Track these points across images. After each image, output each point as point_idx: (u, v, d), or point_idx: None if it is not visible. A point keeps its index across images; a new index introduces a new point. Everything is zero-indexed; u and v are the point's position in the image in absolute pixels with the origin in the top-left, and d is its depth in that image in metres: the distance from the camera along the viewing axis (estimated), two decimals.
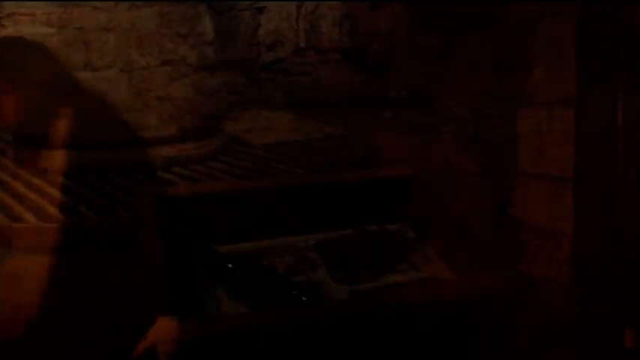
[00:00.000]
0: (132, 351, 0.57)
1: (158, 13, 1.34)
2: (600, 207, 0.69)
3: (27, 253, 1.05)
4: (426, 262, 0.98)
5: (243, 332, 0.61)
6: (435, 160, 1.72)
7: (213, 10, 1.52)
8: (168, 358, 0.56)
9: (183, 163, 1.44)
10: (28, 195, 1.25)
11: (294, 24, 1.97)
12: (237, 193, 0.92)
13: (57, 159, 1.39)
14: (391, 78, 2.90)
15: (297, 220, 0.99)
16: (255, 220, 0.97)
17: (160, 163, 1.42)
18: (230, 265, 0.85)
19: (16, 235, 1.07)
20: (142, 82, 1.39)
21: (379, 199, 1.04)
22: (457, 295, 0.72)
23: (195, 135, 1.46)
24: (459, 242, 0.97)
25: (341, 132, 1.81)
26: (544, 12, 0.77)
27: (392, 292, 0.84)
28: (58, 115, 1.33)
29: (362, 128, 2.08)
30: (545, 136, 0.79)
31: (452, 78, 3.39)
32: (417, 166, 1.62)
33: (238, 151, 1.58)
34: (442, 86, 3.16)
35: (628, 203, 0.67)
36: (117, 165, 1.38)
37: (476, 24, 1.20)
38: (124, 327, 0.67)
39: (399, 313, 0.68)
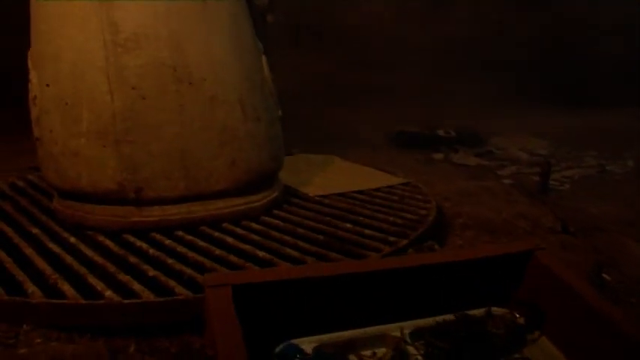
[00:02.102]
0: None
1: None
2: None
3: (66, 340, 0.92)
4: (542, 355, 0.84)
5: None
6: (508, 215, 1.59)
7: None
8: None
9: (236, 220, 1.32)
10: (65, 259, 1.13)
11: None
12: (320, 278, 0.79)
13: (97, 215, 1.27)
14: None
15: (389, 305, 0.86)
16: (340, 306, 0.83)
17: (209, 220, 1.29)
18: None
19: (49, 313, 0.94)
20: None
21: (484, 277, 0.90)
22: None
23: (248, 187, 1.33)
24: (578, 327, 0.83)
25: (399, 180, 1.67)
26: None
27: None
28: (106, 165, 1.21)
29: (415, 173, 1.95)
30: None
31: (501, 116, 3.27)
32: (493, 226, 1.49)
33: (295, 204, 1.46)
34: (491, 124, 3.02)
35: None
36: (163, 224, 1.26)
37: None
38: None
39: None
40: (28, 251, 1.18)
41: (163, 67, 1.18)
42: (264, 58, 1.38)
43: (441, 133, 2.39)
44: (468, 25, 4.03)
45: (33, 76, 1.27)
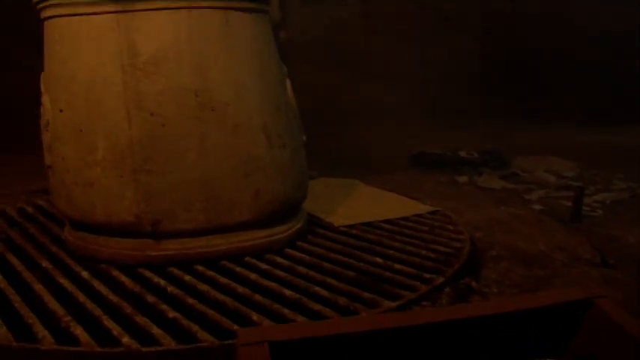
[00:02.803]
0: None
1: None
2: None
3: None
4: None
5: None
6: (543, 245, 1.51)
7: None
8: None
9: (259, 253, 1.24)
10: (77, 297, 1.06)
11: None
12: (368, 333, 0.71)
13: (111, 248, 1.20)
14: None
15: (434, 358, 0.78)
16: None
17: (230, 254, 1.22)
18: None
19: None
20: None
21: (538, 327, 0.83)
22: None
23: (272, 218, 1.26)
24: None
25: (427, 208, 1.60)
26: None
27: None
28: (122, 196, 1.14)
29: (440, 198, 1.87)
30: None
31: (520, 133, 3.18)
32: (528, 257, 1.42)
33: (319, 235, 1.38)
34: (511, 143, 2.94)
35: None
36: (181, 258, 1.19)
37: None
38: None
39: None
40: (38, 287, 1.11)
41: (185, 92, 1.11)
42: (288, 82, 1.32)
43: (463, 154, 2.32)
44: (482, 39, 3.98)
45: (45, 100, 1.21)
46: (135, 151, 1.12)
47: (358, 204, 1.62)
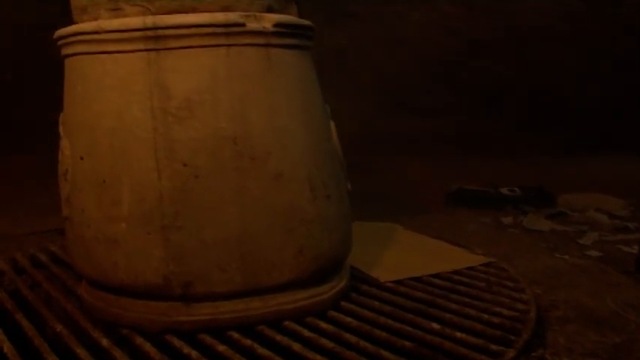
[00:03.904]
0: None
1: None
2: None
3: None
4: None
5: None
6: (613, 302, 1.38)
7: None
8: None
9: (300, 317, 1.13)
10: None
11: None
12: None
13: (135, 312, 1.09)
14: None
15: None
16: None
17: (269, 319, 1.10)
18: None
19: None
20: None
21: None
22: None
23: (314, 278, 1.14)
24: None
25: (479, 258, 1.47)
26: None
27: None
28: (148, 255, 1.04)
29: (487, 242, 1.75)
30: None
31: (559, 165, 3.03)
32: (597, 317, 1.28)
33: (364, 293, 1.26)
34: (552, 177, 2.81)
35: None
36: (214, 324, 1.07)
37: None
38: None
39: None
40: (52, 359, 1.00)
41: (221, 140, 1.01)
42: (332, 123, 1.21)
43: (504, 191, 2.19)
44: (516, 65, 3.88)
45: (65, 146, 1.11)
46: (165, 206, 1.01)
47: (402, 254, 1.50)
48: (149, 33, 0.98)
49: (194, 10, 1.03)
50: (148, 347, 1.04)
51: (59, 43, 1.10)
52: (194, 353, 1.02)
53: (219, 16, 1.00)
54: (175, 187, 1.00)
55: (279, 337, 1.07)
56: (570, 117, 3.59)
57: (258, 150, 1.03)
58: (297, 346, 1.04)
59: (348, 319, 1.14)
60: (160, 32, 0.98)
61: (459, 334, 1.09)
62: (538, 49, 3.78)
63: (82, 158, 1.07)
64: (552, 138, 3.48)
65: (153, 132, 1.00)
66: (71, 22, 1.10)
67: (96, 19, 1.05)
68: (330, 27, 3.51)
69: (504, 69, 3.85)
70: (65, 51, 1.10)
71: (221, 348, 1.03)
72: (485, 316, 1.16)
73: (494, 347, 1.04)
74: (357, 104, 3.43)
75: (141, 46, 0.99)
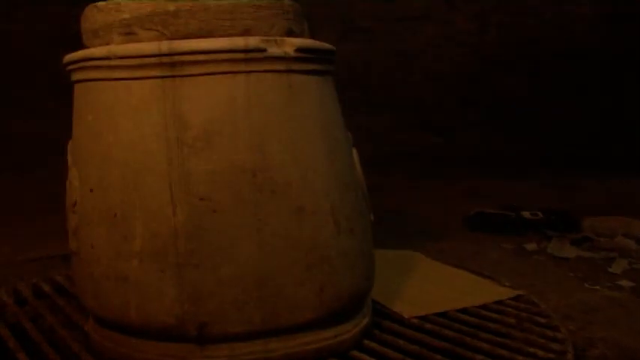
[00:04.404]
0: None
1: None
2: None
3: None
4: None
5: None
6: None
7: None
8: None
9: (321, 358, 1.08)
10: None
11: None
12: None
13: (147, 353, 1.04)
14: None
15: None
16: None
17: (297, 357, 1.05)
18: None
19: None
20: None
21: None
22: None
23: (337, 316, 1.09)
24: None
25: (507, 292, 1.42)
26: None
27: None
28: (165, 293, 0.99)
29: (511, 272, 1.70)
30: None
31: (578, 183, 2.96)
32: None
33: (388, 330, 1.21)
34: (574, 198, 2.74)
35: None
36: None
37: None
38: None
39: None
40: None
41: (240, 173, 0.96)
42: (354, 151, 1.17)
43: (526, 214, 2.14)
44: (528, 82, 3.85)
45: (73, 176, 1.07)
46: (180, 242, 0.96)
47: (425, 285, 1.44)
48: (164, 59, 0.95)
49: (211, 34, 0.99)
50: None
51: (68, 68, 1.07)
52: None
53: (239, 41, 0.96)
54: (191, 222, 0.96)
55: None
56: (592, 135, 3.54)
57: (278, 182, 0.99)
58: None
59: (366, 358, 1.09)
60: (176, 58, 0.94)
61: None
62: (552, 65, 3.74)
63: (91, 190, 1.03)
64: (572, 157, 3.43)
65: (168, 164, 0.96)
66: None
67: (108, 43, 1.01)
68: (341, 42, 3.48)
69: (518, 85, 3.81)
70: (75, 76, 1.06)
71: None
72: (520, 357, 1.11)
73: None
74: (370, 122, 3.40)
75: (156, 72, 0.96)
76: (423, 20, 3.76)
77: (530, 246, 1.96)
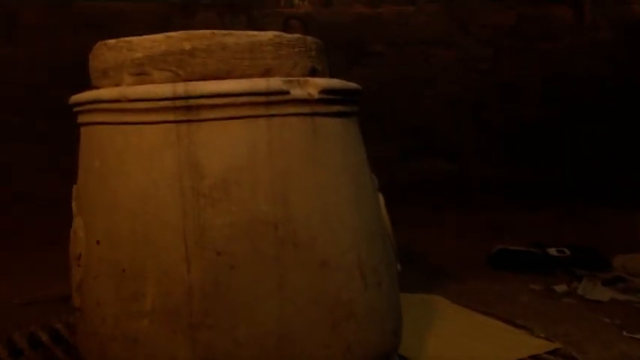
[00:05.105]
0: None
1: None
2: None
3: None
4: None
5: None
6: None
7: None
8: None
9: None
10: None
11: None
12: None
13: None
14: None
15: None
16: None
17: None
18: None
19: None
20: None
21: None
22: None
23: None
24: None
25: (543, 344, 1.36)
26: None
27: None
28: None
29: (542, 317, 1.63)
30: None
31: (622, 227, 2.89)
32: None
33: None
34: (598, 230, 2.68)
35: None
36: None
37: None
38: None
39: None
40: None
41: (261, 225, 0.91)
42: (380, 197, 1.12)
43: (553, 252, 2.08)
44: (542, 107, 3.80)
45: (78, 225, 1.02)
46: (194, 301, 0.91)
47: (453, 336, 1.38)
48: (180, 102, 0.90)
49: (229, 75, 0.94)
50: None
51: (75, 109, 1.02)
52: None
53: (260, 83, 0.91)
54: (207, 279, 0.90)
55: None
56: (612, 165, 3.48)
57: (301, 235, 0.93)
58: None
59: None
60: (193, 102, 0.90)
61: None
62: (569, 91, 3.70)
63: (98, 242, 0.97)
64: (592, 187, 3.37)
65: (182, 216, 0.90)
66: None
67: (118, 84, 0.97)
68: (353, 67, 3.46)
69: (533, 112, 3.77)
70: (82, 119, 1.02)
71: None
72: None
73: None
74: (383, 149, 3.34)
75: (170, 116, 0.91)
76: (436, 45, 3.73)
77: (560, 287, 1.89)
